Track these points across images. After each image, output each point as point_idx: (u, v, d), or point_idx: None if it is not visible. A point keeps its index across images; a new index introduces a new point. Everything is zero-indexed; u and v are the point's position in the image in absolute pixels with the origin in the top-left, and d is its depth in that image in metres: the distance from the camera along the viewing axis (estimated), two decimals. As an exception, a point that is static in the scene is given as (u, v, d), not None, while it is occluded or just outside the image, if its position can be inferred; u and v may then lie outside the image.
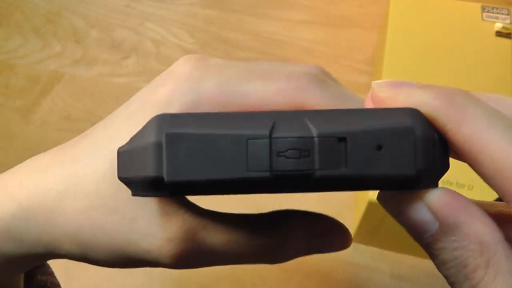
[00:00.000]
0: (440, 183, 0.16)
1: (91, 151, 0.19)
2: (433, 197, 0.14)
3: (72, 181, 0.18)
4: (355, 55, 0.59)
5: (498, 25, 0.47)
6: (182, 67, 0.18)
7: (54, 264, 0.29)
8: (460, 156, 0.15)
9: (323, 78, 0.18)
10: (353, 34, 0.61)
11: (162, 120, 0.15)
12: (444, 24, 0.48)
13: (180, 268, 0.18)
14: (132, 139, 0.16)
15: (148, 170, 0.14)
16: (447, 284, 0.16)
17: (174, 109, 0.17)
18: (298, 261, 0.48)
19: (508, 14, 0.48)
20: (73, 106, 0.56)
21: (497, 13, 0.48)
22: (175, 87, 0.18)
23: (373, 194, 0.38)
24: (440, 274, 0.17)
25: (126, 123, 0.18)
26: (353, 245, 0.46)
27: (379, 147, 0.14)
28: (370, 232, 0.44)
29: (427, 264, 0.19)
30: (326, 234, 0.20)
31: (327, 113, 0.15)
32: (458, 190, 0.32)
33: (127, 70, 0.59)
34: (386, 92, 0.15)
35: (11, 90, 0.58)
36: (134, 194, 0.16)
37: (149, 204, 0.18)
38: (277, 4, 0.64)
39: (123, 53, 0.61)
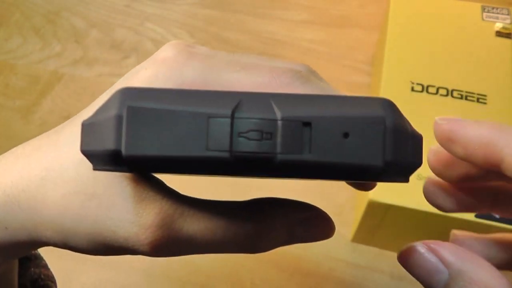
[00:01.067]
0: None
1: (73, 136, 0.18)
2: (447, 252, 0.17)
3: (54, 167, 0.18)
4: (355, 55, 0.59)
5: (498, 25, 0.47)
6: (166, 52, 0.18)
7: (54, 264, 0.29)
8: None
9: (307, 75, 0.18)
10: (353, 34, 0.61)
11: (126, 93, 0.14)
12: (444, 24, 0.48)
13: (159, 256, 0.18)
14: (96, 112, 0.15)
15: (107, 143, 0.14)
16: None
17: None
18: (298, 261, 0.48)
19: (508, 14, 0.48)
20: (73, 106, 0.56)
21: (497, 13, 0.48)
22: (158, 71, 0.17)
23: (373, 194, 0.38)
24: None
25: None
26: (353, 245, 0.46)
27: (346, 135, 0.13)
28: (370, 232, 0.44)
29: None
30: (309, 223, 0.20)
31: (295, 96, 0.14)
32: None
33: (127, 70, 0.59)
34: (448, 124, 0.17)
35: (11, 90, 0.58)
36: (94, 168, 0.16)
37: (126, 190, 0.17)
38: (277, 4, 0.64)
39: (123, 53, 0.61)
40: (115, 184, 0.17)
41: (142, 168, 0.15)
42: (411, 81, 0.44)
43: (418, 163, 0.15)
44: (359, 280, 0.44)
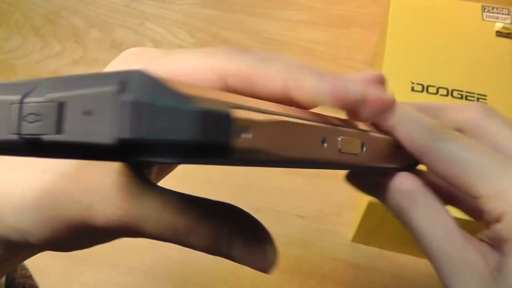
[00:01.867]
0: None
1: None
2: None
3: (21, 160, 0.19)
4: (355, 55, 0.59)
5: (498, 25, 0.47)
6: (130, 49, 0.19)
7: (53, 265, 0.29)
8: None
9: (246, 49, 0.18)
10: (353, 34, 0.61)
11: None
12: (444, 24, 0.48)
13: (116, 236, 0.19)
14: None
15: None
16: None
17: None
18: (298, 261, 0.48)
19: (508, 14, 0.48)
20: (73, 106, 0.56)
21: (497, 13, 0.48)
22: (112, 67, 0.19)
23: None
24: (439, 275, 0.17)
25: None
26: (353, 245, 0.46)
27: (87, 113, 0.13)
28: (370, 232, 0.44)
29: (427, 264, 0.19)
30: (249, 244, 0.19)
31: (62, 79, 0.15)
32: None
33: (127, 70, 0.59)
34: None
35: (11, 90, 0.58)
36: None
37: (107, 173, 0.17)
38: (277, 4, 0.64)
39: (123, 53, 0.61)
40: (92, 167, 0.18)
41: None
42: (411, 81, 0.44)
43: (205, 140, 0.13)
44: (359, 281, 0.44)
